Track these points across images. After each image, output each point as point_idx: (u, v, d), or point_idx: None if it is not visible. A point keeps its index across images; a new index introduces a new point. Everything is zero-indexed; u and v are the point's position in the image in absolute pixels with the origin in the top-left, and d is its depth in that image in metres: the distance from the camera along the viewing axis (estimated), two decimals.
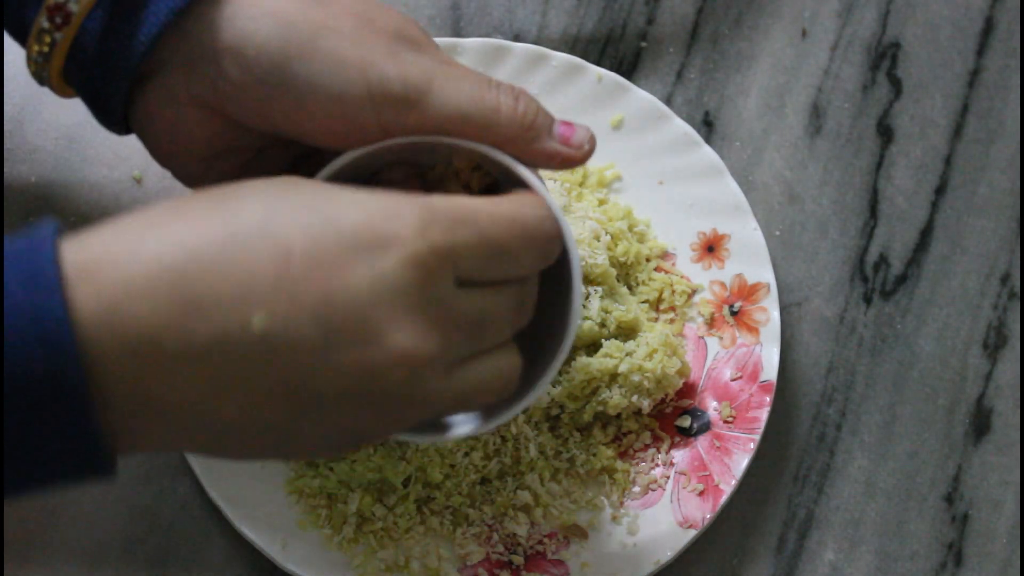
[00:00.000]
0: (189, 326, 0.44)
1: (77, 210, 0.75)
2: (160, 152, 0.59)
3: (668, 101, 0.77)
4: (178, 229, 0.45)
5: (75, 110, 0.76)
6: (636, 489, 0.71)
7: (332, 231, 0.45)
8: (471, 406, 0.53)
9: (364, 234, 0.46)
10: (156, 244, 0.45)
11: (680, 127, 0.74)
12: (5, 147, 0.75)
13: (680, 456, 0.71)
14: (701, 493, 0.70)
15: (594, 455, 0.71)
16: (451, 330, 0.48)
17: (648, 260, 0.74)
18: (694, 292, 0.73)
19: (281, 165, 0.59)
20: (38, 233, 0.45)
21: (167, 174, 0.75)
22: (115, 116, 0.58)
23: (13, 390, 0.43)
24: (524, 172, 0.54)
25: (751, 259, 0.73)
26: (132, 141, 0.76)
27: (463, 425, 0.57)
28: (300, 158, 0.59)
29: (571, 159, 0.55)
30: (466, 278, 0.49)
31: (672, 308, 0.73)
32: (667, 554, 0.69)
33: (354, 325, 0.45)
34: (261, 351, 0.45)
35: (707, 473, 0.70)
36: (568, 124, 0.55)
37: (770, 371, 0.71)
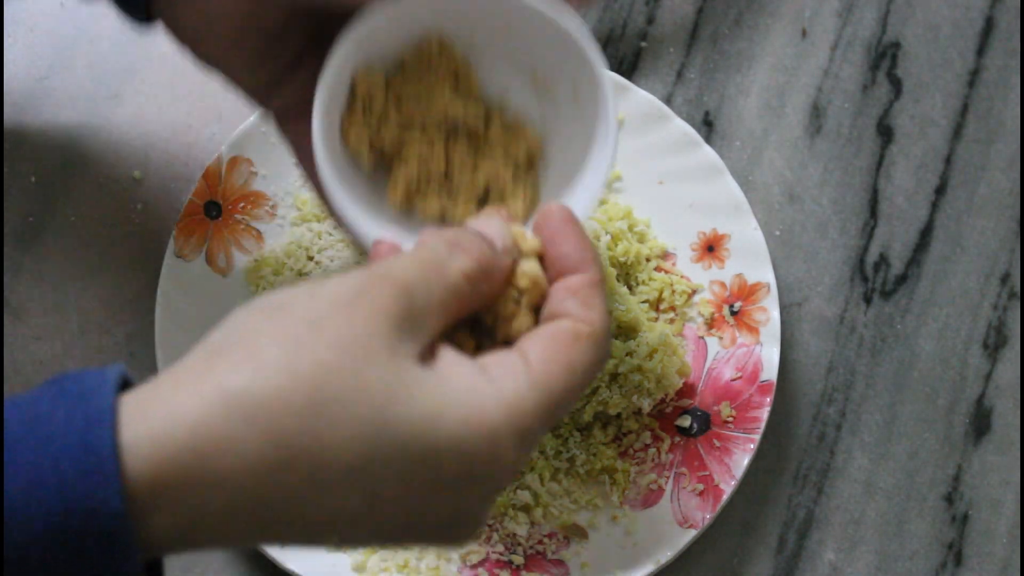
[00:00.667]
0: (260, 538, 0.45)
1: (77, 210, 0.75)
2: (185, 35, 0.59)
3: (668, 101, 0.77)
4: (265, 459, 0.43)
5: (75, 110, 0.76)
6: (636, 489, 0.71)
7: (427, 479, 0.45)
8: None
9: (461, 479, 0.45)
10: (242, 478, 0.43)
11: (680, 127, 0.74)
12: (5, 147, 0.75)
13: (680, 456, 0.71)
14: (701, 493, 0.70)
15: (594, 455, 0.71)
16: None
17: (648, 260, 0.74)
18: (694, 292, 0.73)
19: (303, 40, 0.58)
20: (96, 416, 0.43)
21: (167, 174, 0.76)
22: (138, 3, 0.58)
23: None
24: (563, 22, 0.55)
25: (751, 259, 0.73)
26: (132, 141, 0.76)
27: None
28: (322, 31, 0.58)
29: None
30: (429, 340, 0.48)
31: (672, 308, 0.73)
32: (667, 554, 0.69)
33: (422, 538, 0.47)
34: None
35: (707, 473, 0.70)
36: None
37: (770, 371, 0.71)
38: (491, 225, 0.51)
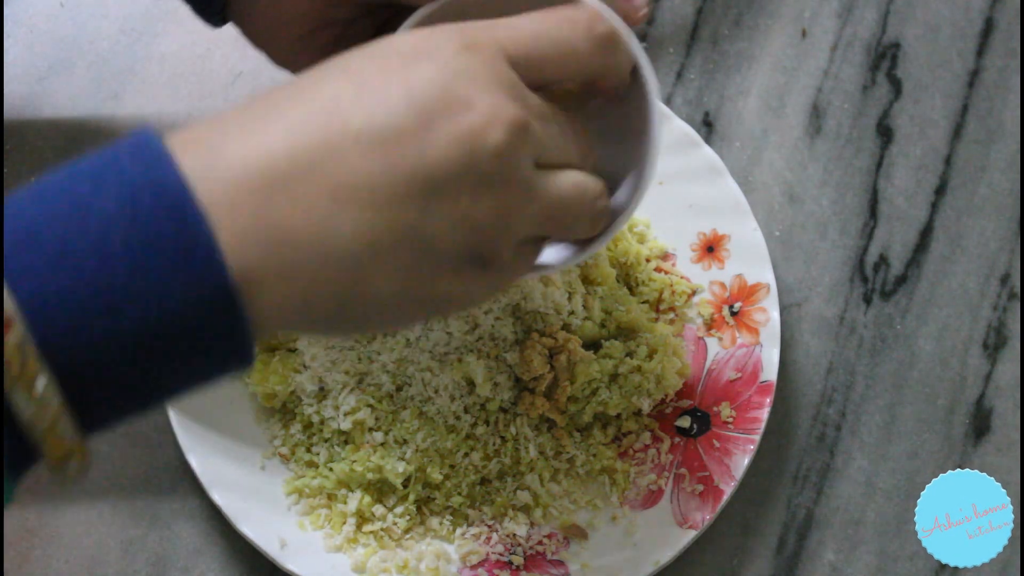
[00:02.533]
0: (296, 143, 0.46)
1: None
2: (258, 34, 0.62)
3: (668, 101, 0.77)
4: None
5: (75, 110, 0.76)
6: (636, 489, 0.71)
7: (392, 49, 0.48)
8: (563, 223, 0.53)
9: (415, 47, 0.48)
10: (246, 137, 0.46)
11: (680, 127, 0.74)
12: (5, 147, 0.75)
13: (680, 457, 0.71)
14: (701, 494, 0.70)
15: (594, 455, 0.71)
16: (527, 109, 0.50)
17: (648, 260, 0.74)
18: (694, 292, 0.74)
19: (370, 34, 0.61)
20: (138, 131, 0.46)
21: None
22: (215, 5, 0.61)
23: (143, 253, 0.43)
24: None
25: (751, 259, 0.73)
26: None
27: (559, 255, 0.58)
28: (387, 24, 0.61)
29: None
30: (522, 73, 0.50)
31: (672, 308, 0.73)
32: (667, 554, 0.69)
33: (441, 102, 0.47)
34: (367, 148, 0.46)
35: (707, 473, 0.70)
36: None
37: (770, 371, 0.71)
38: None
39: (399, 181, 0.46)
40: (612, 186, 0.58)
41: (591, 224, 0.54)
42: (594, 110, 0.58)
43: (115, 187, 0.44)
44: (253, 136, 0.46)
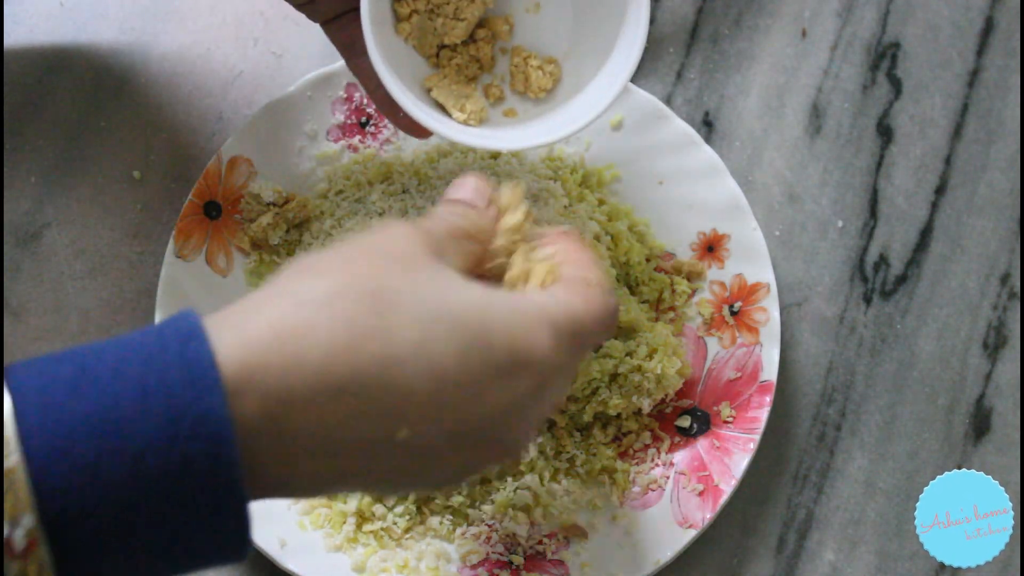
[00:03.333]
0: (340, 434, 0.47)
1: (77, 210, 0.75)
2: None
3: (668, 101, 0.77)
4: (339, 341, 0.46)
5: (75, 110, 0.76)
6: (636, 489, 0.71)
7: (481, 360, 0.48)
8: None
9: (509, 363, 0.49)
10: (319, 358, 0.46)
11: (680, 127, 0.74)
12: (5, 147, 0.75)
13: (680, 456, 0.71)
14: (701, 493, 0.70)
15: (594, 455, 0.71)
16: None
17: (648, 260, 0.74)
18: (694, 292, 0.73)
19: None
20: (187, 328, 0.46)
21: (167, 173, 0.76)
22: None
23: (173, 484, 0.44)
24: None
25: (751, 259, 0.73)
26: (132, 141, 0.76)
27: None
28: None
29: None
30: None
31: (672, 308, 0.73)
32: (667, 554, 0.69)
33: (480, 439, 0.50)
34: (398, 452, 0.48)
35: (707, 473, 0.70)
36: None
37: (770, 371, 0.71)
38: (465, 188, 0.56)
39: (405, 471, 0.49)
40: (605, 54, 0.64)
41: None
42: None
43: (160, 406, 0.44)
44: (314, 424, 0.46)
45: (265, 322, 0.46)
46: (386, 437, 0.47)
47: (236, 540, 0.46)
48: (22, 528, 0.42)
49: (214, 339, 0.45)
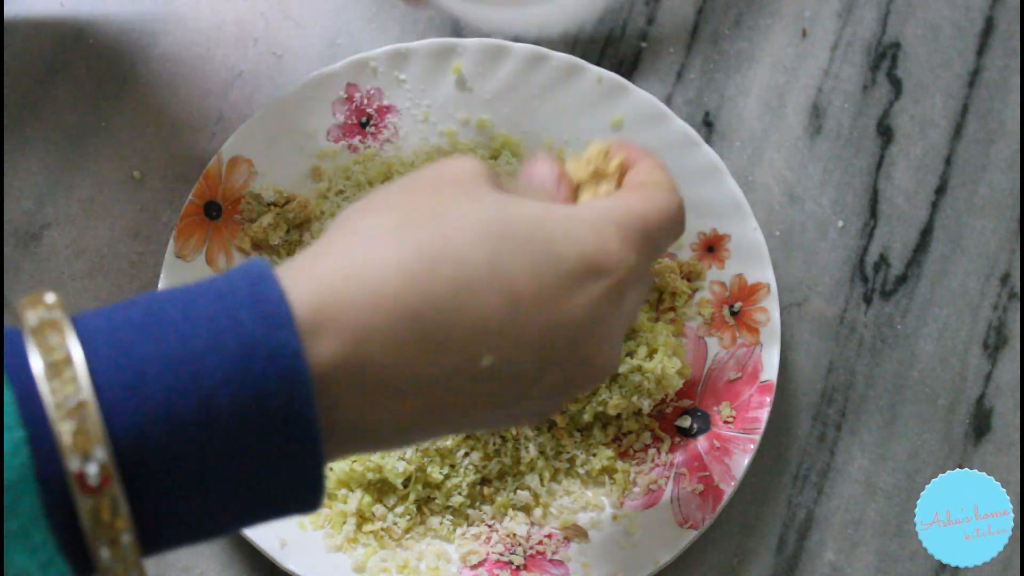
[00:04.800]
0: (423, 368, 0.46)
1: (77, 209, 0.75)
2: None
3: (668, 101, 0.77)
4: (408, 270, 0.46)
5: (75, 110, 0.76)
6: (636, 489, 0.71)
7: (553, 271, 0.48)
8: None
9: (580, 269, 0.49)
10: (394, 287, 0.46)
11: (680, 127, 0.74)
12: (5, 147, 0.75)
13: (680, 456, 0.71)
14: (701, 493, 0.70)
15: (594, 455, 0.71)
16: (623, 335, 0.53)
17: None
18: (694, 292, 0.74)
19: None
20: (256, 270, 0.46)
21: (167, 173, 0.76)
22: None
23: (246, 421, 0.43)
24: None
25: (751, 259, 0.73)
26: (132, 141, 0.76)
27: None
28: None
29: None
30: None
31: (672, 308, 0.73)
32: (667, 554, 0.69)
33: (568, 353, 0.49)
34: (484, 382, 0.47)
35: (707, 473, 0.70)
36: None
37: (770, 371, 0.71)
38: (537, 174, 0.56)
39: (491, 406, 0.48)
40: None
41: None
42: None
43: (231, 343, 0.43)
44: (393, 356, 0.46)
45: (333, 262, 0.46)
46: (470, 365, 0.46)
47: (310, 485, 0.45)
48: (95, 462, 0.41)
49: (285, 281, 0.45)
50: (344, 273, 0.46)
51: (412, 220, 0.47)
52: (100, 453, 0.42)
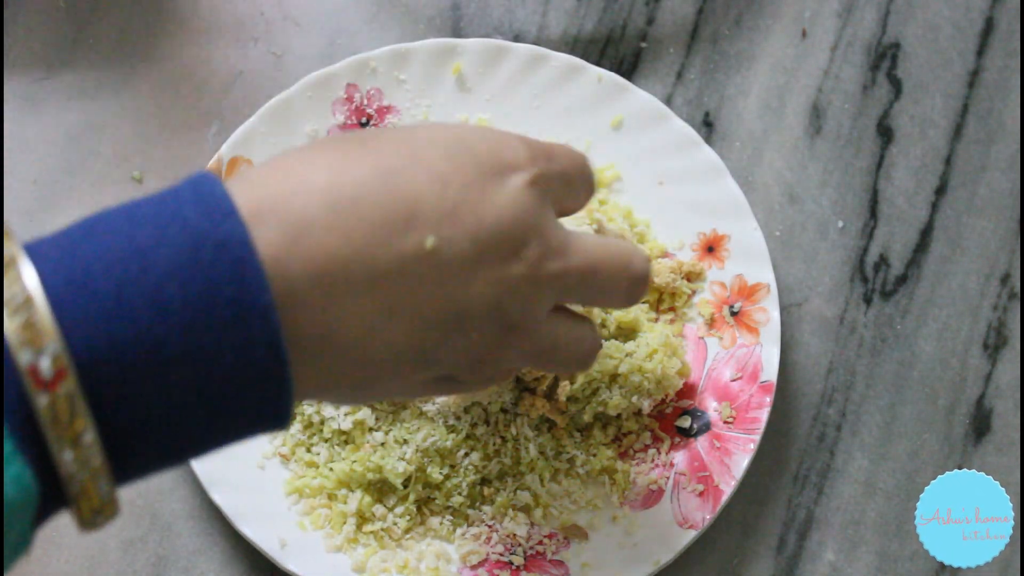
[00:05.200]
0: (373, 251, 0.46)
1: (77, 210, 0.75)
2: None
3: (668, 101, 0.77)
4: (336, 166, 0.48)
5: (75, 110, 0.76)
6: (636, 489, 0.71)
7: (471, 158, 0.49)
8: (553, 359, 0.55)
9: (494, 161, 0.50)
10: (324, 178, 0.47)
11: (680, 127, 0.74)
12: (5, 147, 0.75)
13: (680, 456, 0.71)
14: (701, 493, 0.70)
15: (594, 455, 0.71)
16: (553, 247, 0.52)
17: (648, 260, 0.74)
18: (694, 292, 0.74)
19: None
20: (197, 175, 0.46)
21: (167, 174, 0.76)
22: None
23: (200, 312, 0.43)
24: None
25: (751, 259, 0.73)
26: (132, 141, 0.76)
27: None
28: None
29: None
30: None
31: (672, 308, 0.73)
32: (667, 554, 0.69)
33: (500, 242, 0.49)
34: (431, 270, 0.48)
35: (707, 473, 0.70)
36: None
37: (770, 371, 0.71)
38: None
39: (440, 308, 0.48)
40: None
41: (578, 365, 0.56)
42: None
43: (177, 236, 0.43)
44: (342, 240, 0.46)
45: (266, 170, 0.47)
46: (416, 248, 0.47)
47: (275, 387, 0.44)
48: (47, 355, 0.41)
49: (226, 185, 0.46)
50: (277, 177, 0.47)
51: (338, 136, 0.49)
52: (52, 347, 0.41)
